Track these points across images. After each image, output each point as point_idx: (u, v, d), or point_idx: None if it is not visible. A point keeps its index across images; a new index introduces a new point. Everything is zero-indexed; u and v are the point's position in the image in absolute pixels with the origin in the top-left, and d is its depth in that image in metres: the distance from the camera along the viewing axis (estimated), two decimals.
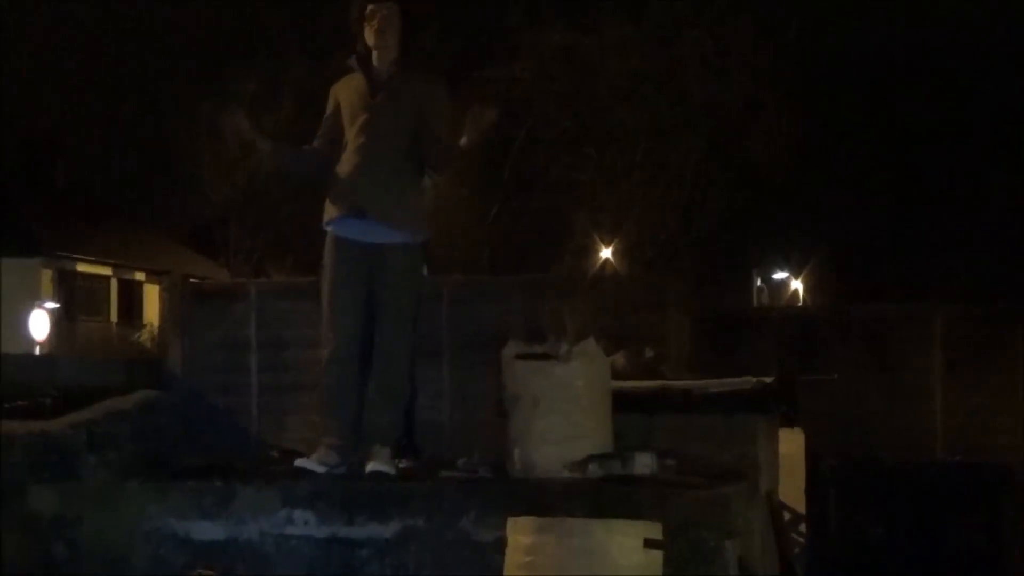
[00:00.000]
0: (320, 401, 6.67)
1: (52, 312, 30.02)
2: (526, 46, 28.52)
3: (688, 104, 28.60)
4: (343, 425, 6.49)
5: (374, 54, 6.56)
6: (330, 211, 6.57)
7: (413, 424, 7.29)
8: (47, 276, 34.21)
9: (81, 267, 35.68)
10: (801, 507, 8.28)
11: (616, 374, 6.90)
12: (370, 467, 6.34)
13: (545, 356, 6.21)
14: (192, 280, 14.22)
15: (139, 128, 32.70)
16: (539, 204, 29.31)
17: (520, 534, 5.25)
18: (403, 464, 6.72)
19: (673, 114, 28.63)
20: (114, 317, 36.56)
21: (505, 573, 5.28)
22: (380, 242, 6.46)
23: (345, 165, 6.51)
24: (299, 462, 6.44)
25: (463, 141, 6.39)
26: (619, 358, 7.93)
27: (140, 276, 37.30)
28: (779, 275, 39.19)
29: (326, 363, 6.54)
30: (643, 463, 6.09)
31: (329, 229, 6.59)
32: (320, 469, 6.35)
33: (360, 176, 6.45)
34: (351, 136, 6.52)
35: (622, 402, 6.47)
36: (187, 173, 29.58)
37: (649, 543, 5.16)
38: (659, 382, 7.44)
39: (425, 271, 7.49)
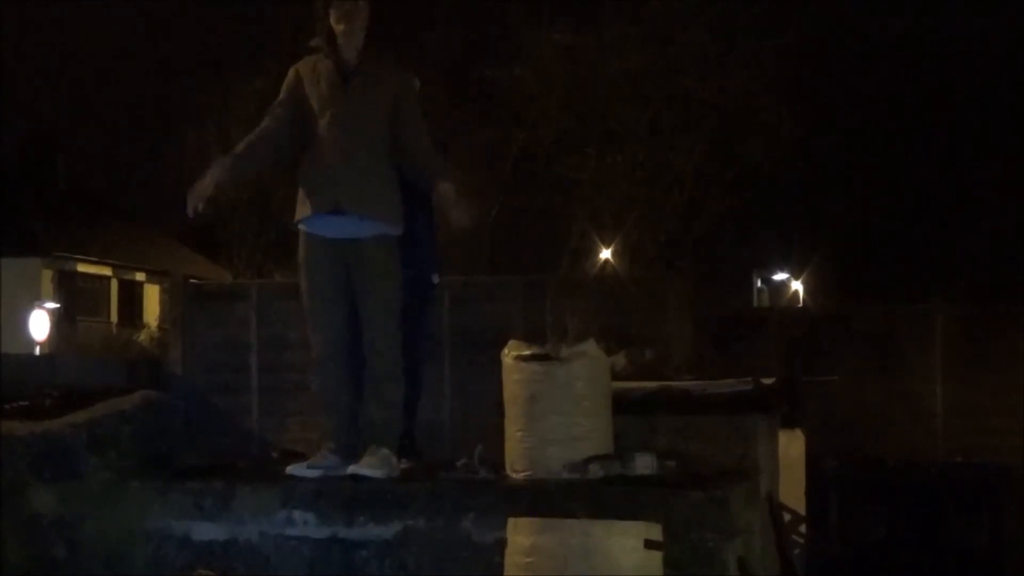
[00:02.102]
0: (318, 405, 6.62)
1: (52, 312, 30.03)
2: (527, 46, 28.51)
3: (689, 104, 28.59)
4: (338, 427, 6.43)
5: (340, 43, 6.38)
6: (303, 208, 6.39)
7: (414, 424, 7.26)
8: (47, 276, 34.25)
9: (81, 267, 35.71)
10: (802, 508, 8.27)
11: (616, 375, 6.89)
12: (351, 468, 6.22)
13: (545, 357, 6.20)
14: (193, 281, 14.23)
15: (140, 128, 32.71)
16: (540, 204, 29.30)
17: (520, 535, 5.25)
18: (404, 464, 6.68)
19: (674, 114, 28.62)
20: (114, 317, 36.59)
21: (505, 574, 5.28)
22: (357, 236, 6.30)
23: (317, 160, 6.33)
24: (289, 469, 6.36)
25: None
26: (619, 359, 7.92)
27: (140, 276, 37.35)
28: (779, 276, 39.16)
29: (315, 367, 6.47)
30: (644, 464, 6.08)
31: (301, 228, 6.44)
32: (311, 474, 6.27)
33: (336, 171, 6.28)
34: (322, 127, 6.32)
35: (622, 403, 6.47)
36: (188, 173, 29.56)
37: (649, 544, 5.16)
38: (659, 383, 7.43)
39: (436, 278, 7.37)
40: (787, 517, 7.51)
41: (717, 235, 29.82)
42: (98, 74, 33.30)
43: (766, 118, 27.89)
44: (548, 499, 5.67)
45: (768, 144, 27.63)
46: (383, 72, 6.43)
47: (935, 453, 11.98)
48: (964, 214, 33.37)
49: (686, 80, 28.41)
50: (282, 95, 6.50)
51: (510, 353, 6.30)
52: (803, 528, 8.21)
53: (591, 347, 6.26)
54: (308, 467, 6.35)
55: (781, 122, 27.36)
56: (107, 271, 36.63)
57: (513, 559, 5.24)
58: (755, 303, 34.22)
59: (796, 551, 7.75)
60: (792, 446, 8.07)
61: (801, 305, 33.64)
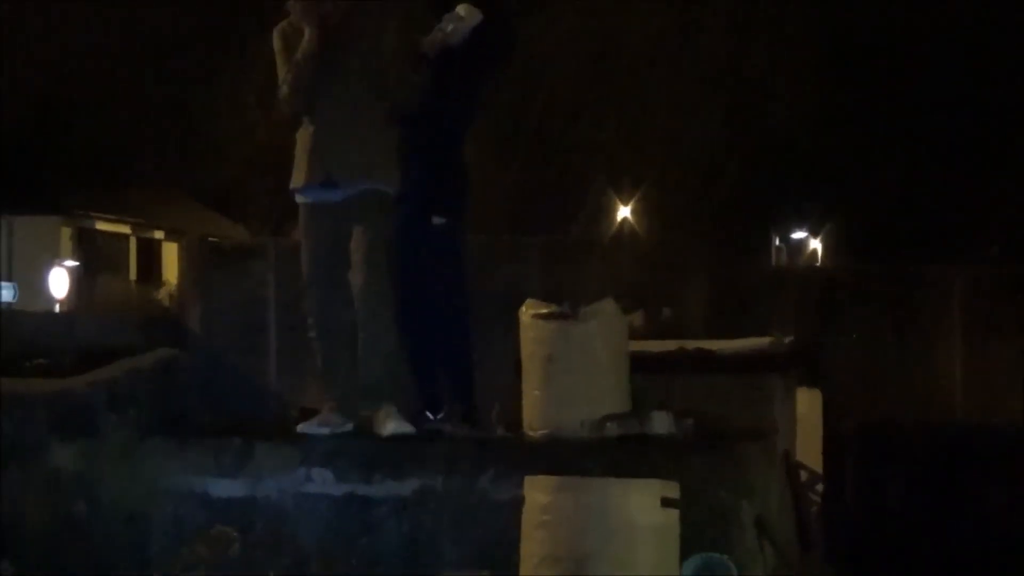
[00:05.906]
0: (317, 366, 6.61)
1: (71, 270, 30.13)
2: (546, 6, 28.38)
3: (711, 64, 28.49)
4: (339, 385, 6.42)
5: None
6: (297, 178, 6.41)
7: (471, 391, 7.02)
8: (66, 234, 34.32)
9: (100, 225, 35.78)
10: (819, 467, 8.27)
11: (633, 334, 6.89)
12: (386, 431, 6.19)
13: (563, 315, 6.20)
14: (210, 239, 14.22)
15: (159, 86, 32.66)
16: (559, 164, 29.26)
17: (537, 493, 5.26)
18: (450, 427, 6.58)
19: (695, 74, 28.51)
20: (133, 275, 36.69)
21: (522, 532, 5.30)
22: (348, 196, 6.30)
23: (309, 126, 6.35)
24: (301, 427, 6.37)
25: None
26: (636, 318, 7.92)
27: (159, 235, 37.41)
28: (798, 235, 39.07)
29: (314, 333, 6.55)
30: (660, 423, 6.08)
31: (298, 198, 6.47)
32: (323, 431, 6.28)
33: (324, 139, 6.27)
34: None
35: (640, 362, 6.46)
36: (206, 131, 29.59)
37: (666, 502, 5.17)
38: (677, 342, 7.43)
39: (436, 219, 6.95)
40: (804, 476, 7.52)
41: (736, 194, 29.77)
42: (117, 32, 33.22)
43: (788, 79, 27.80)
44: (565, 457, 5.68)
45: (790, 105, 27.54)
46: (353, 13, 6.33)
47: (953, 414, 11.94)
48: (986, 173, 33.18)
49: (709, 41, 28.31)
50: None
51: (528, 311, 6.30)
52: (820, 487, 8.22)
53: (608, 306, 6.26)
54: (319, 424, 6.34)
55: (802, 84, 27.27)
56: (126, 229, 36.70)
57: (530, 517, 5.26)
58: (773, 261, 34.15)
59: (813, 509, 7.76)
60: (809, 405, 8.07)
61: (819, 264, 33.56)
